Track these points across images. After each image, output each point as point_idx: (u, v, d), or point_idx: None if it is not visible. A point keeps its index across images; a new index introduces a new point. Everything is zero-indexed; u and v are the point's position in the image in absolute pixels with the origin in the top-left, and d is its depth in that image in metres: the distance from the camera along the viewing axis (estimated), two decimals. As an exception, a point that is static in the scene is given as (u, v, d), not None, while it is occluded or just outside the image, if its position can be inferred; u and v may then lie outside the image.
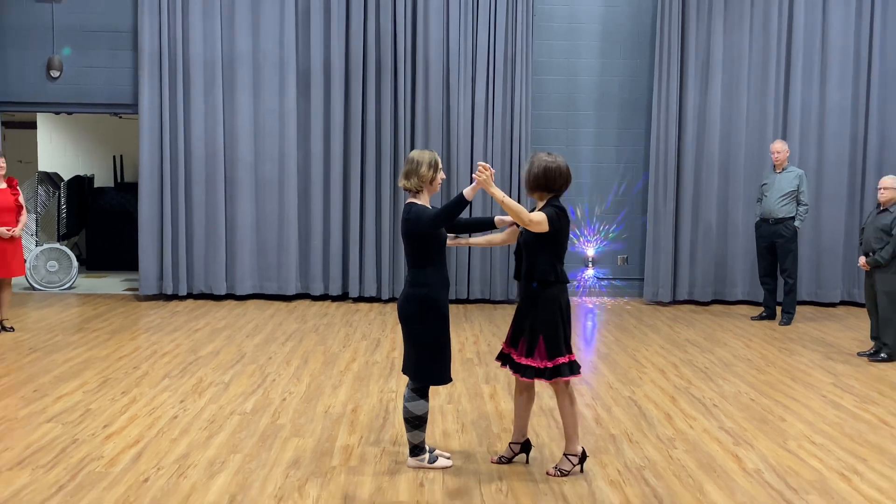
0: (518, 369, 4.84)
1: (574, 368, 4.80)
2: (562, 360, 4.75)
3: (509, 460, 5.06)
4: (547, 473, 4.86)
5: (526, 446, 5.08)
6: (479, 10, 10.60)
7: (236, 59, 10.63)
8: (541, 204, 4.88)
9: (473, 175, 4.70)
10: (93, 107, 11.05)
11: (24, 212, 8.72)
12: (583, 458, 4.93)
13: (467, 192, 4.67)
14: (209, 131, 10.66)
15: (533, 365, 4.76)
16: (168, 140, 10.59)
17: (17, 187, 8.79)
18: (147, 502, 4.43)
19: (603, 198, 11.19)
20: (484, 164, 4.66)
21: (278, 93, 10.69)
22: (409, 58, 10.65)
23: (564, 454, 4.91)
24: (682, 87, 10.81)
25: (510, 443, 5.10)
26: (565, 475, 4.84)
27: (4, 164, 8.61)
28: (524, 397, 4.99)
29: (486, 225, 4.97)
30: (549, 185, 4.83)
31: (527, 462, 5.05)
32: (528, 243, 4.82)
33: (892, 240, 7.61)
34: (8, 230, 8.44)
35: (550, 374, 4.73)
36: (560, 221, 4.76)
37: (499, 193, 4.63)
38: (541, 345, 4.75)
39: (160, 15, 10.51)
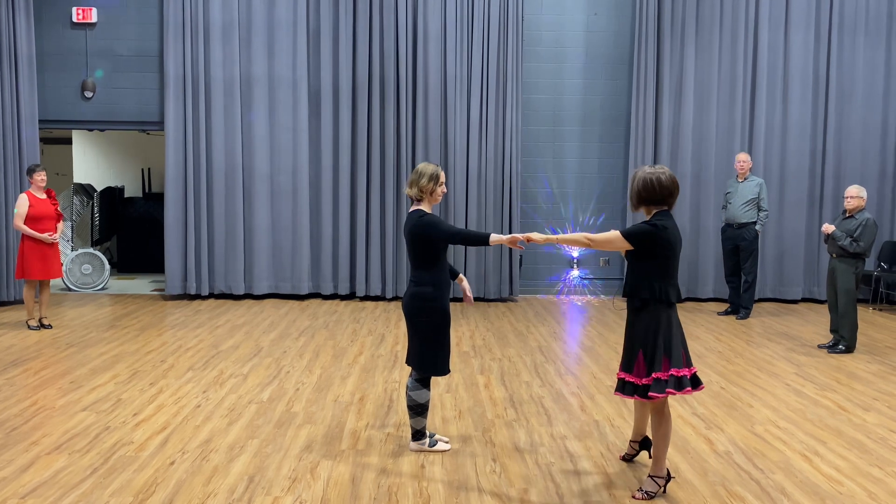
0: (618, 386, 4.36)
1: (683, 384, 4.17)
2: (658, 375, 4.14)
3: (632, 458, 4.79)
4: (633, 497, 4.27)
5: (645, 443, 4.71)
6: (473, 36, 10.61)
7: (253, 81, 10.63)
8: (646, 218, 4.30)
9: (515, 237, 4.57)
10: (123, 124, 11.03)
11: (61, 219, 8.72)
12: (668, 479, 4.34)
13: (493, 238, 4.56)
14: (229, 146, 10.66)
15: (630, 380, 4.25)
16: (191, 154, 10.58)
17: (56, 197, 8.78)
18: (173, 483, 4.42)
19: (586, 204, 11.20)
20: (518, 237, 4.60)
21: (292, 111, 10.69)
22: (411, 79, 10.65)
23: (650, 476, 4.31)
24: (658, 105, 10.83)
25: (630, 440, 4.79)
26: (651, 497, 4.25)
27: (45, 177, 8.60)
28: (641, 401, 4.42)
29: (482, 240, 4.64)
30: (649, 197, 4.24)
31: (650, 457, 4.53)
32: (627, 260, 4.34)
33: (860, 244, 7.57)
34: (50, 235, 8.43)
35: (645, 391, 4.18)
36: (648, 238, 4.17)
37: (553, 237, 4.45)
38: (640, 360, 4.21)
39: (184, 40, 10.51)
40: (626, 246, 4.22)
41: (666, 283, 4.20)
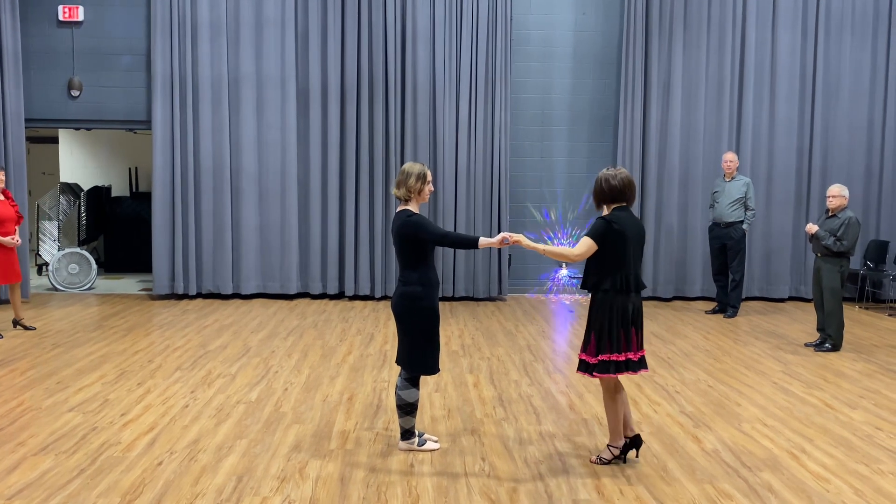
0: (579, 364, 4.69)
1: (620, 367, 4.52)
2: (604, 357, 4.52)
3: (619, 457, 4.77)
4: (589, 461, 4.75)
5: (635, 441, 4.73)
6: (462, 35, 10.61)
7: (241, 79, 10.60)
8: (606, 213, 4.63)
9: (504, 235, 4.61)
10: (110, 123, 10.97)
11: (21, 221, 8.41)
12: (627, 447, 4.69)
13: (483, 241, 4.62)
14: (216, 145, 10.61)
15: (583, 358, 4.63)
16: (179, 153, 10.54)
17: (13, 198, 8.46)
18: (161, 484, 4.40)
19: (575, 204, 11.22)
20: (507, 236, 4.62)
21: (280, 110, 10.66)
22: (399, 78, 10.64)
23: (607, 445, 4.75)
24: (646, 104, 10.86)
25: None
26: (604, 463, 4.70)
27: (4, 177, 8.24)
28: (618, 397, 4.69)
29: (471, 244, 4.66)
30: (601, 196, 4.62)
31: (636, 457, 4.80)
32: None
33: (844, 243, 7.60)
34: (13, 238, 8.19)
35: (595, 370, 4.55)
36: (603, 231, 4.50)
37: (539, 246, 4.58)
38: (592, 342, 4.58)
39: (171, 39, 10.46)
40: (595, 248, 4.54)
41: (625, 273, 4.53)
